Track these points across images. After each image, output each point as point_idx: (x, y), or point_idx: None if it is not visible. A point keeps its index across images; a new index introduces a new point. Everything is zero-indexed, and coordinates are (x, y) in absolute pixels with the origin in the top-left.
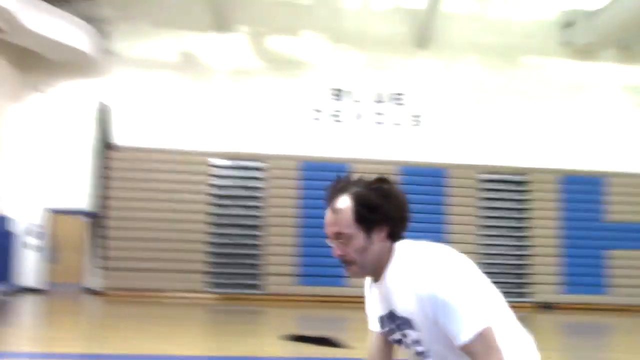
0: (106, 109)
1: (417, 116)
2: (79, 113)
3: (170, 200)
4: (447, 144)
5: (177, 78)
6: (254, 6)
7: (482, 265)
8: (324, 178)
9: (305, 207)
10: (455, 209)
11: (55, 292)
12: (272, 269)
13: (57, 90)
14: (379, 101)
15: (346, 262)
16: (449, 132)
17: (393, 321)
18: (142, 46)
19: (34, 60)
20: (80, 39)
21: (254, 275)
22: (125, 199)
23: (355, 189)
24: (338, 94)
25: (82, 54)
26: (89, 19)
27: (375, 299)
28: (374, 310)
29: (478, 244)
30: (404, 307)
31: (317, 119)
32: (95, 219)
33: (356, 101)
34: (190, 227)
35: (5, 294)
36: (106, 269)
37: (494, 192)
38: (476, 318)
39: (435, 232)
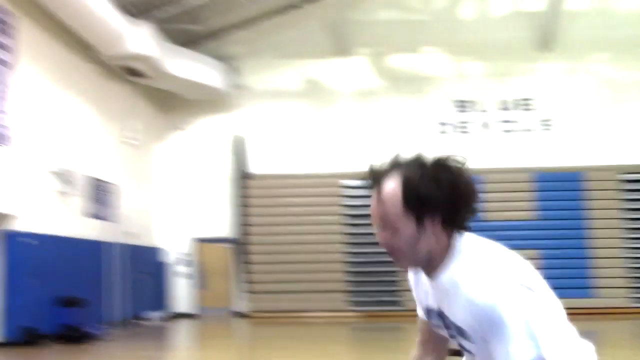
0: (241, 140)
1: (547, 120)
2: (216, 146)
3: (307, 223)
4: (582, 146)
5: (304, 105)
6: (372, 28)
7: (630, 270)
8: None
9: None
10: (597, 213)
11: (205, 316)
12: (405, 284)
13: (195, 126)
14: (505, 108)
15: (394, 253)
16: (582, 134)
17: (441, 320)
18: (269, 78)
19: (173, 101)
20: (213, 77)
21: (393, 292)
22: (264, 224)
23: (404, 171)
24: (462, 105)
25: (216, 90)
26: (220, 57)
27: (423, 289)
28: (420, 298)
29: (624, 248)
30: (458, 316)
31: (443, 132)
32: (238, 245)
33: (482, 111)
34: (328, 247)
35: (162, 319)
36: (251, 292)
37: (638, 193)
38: (533, 350)
39: (577, 239)
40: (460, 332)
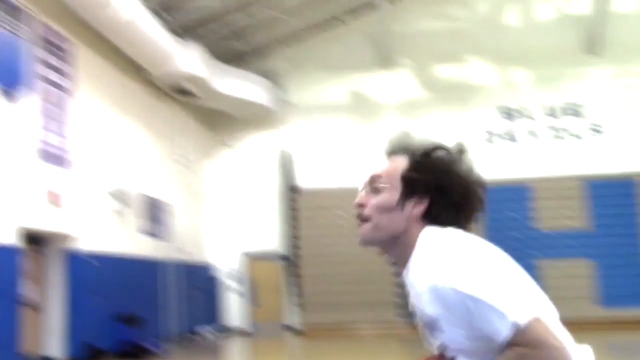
0: (288, 156)
1: (597, 126)
2: (265, 162)
3: (356, 235)
4: (635, 151)
5: (350, 118)
6: (415, 39)
7: None
8: (506, 199)
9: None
10: None
11: (258, 331)
12: None
13: (243, 143)
14: (554, 115)
15: (362, 215)
16: (634, 139)
17: (421, 320)
18: (314, 92)
19: (221, 119)
20: (259, 94)
21: None
22: (313, 237)
23: (416, 153)
24: (509, 113)
25: (262, 107)
26: (265, 74)
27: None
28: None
29: None
30: (425, 309)
31: (490, 141)
32: (288, 259)
33: (529, 118)
34: (377, 259)
35: (215, 335)
36: (303, 306)
37: None
38: (515, 308)
39: (632, 246)
40: (431, 328)
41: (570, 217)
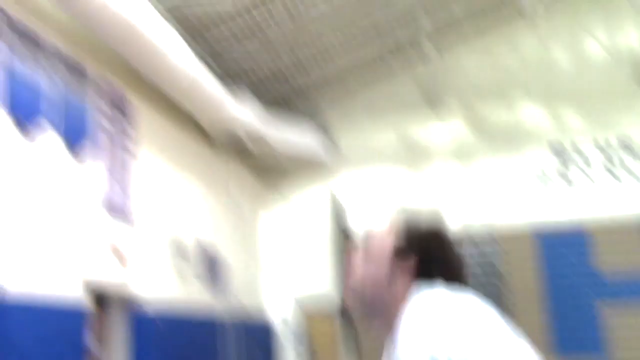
0: (339, 203)
1: None
2: (318, 211)
3: None
4: None
5: (399, 164)
6: (464, 83)
7: None
8: (563, 242)
9: (550, 268)
10: None
11: None
12: None
13: (296, 193)
14: (609, 154)
15: (349, 272)
16: None
17: None
18: (362, 139)
19: (274, 169)
20: (309, 143)
21: None
22: None
23: (410, 216)
24: (563, 153)
25: (313, 155)
26: (313, 121)
27: None
28: None
29: None
30: None
31: (544, 183)
32: (344, 308)
33: (583, 158)
34: None
35: None
36: (360, 356)
37: None
38: None
39: None
40: None
41: (632, 259)
